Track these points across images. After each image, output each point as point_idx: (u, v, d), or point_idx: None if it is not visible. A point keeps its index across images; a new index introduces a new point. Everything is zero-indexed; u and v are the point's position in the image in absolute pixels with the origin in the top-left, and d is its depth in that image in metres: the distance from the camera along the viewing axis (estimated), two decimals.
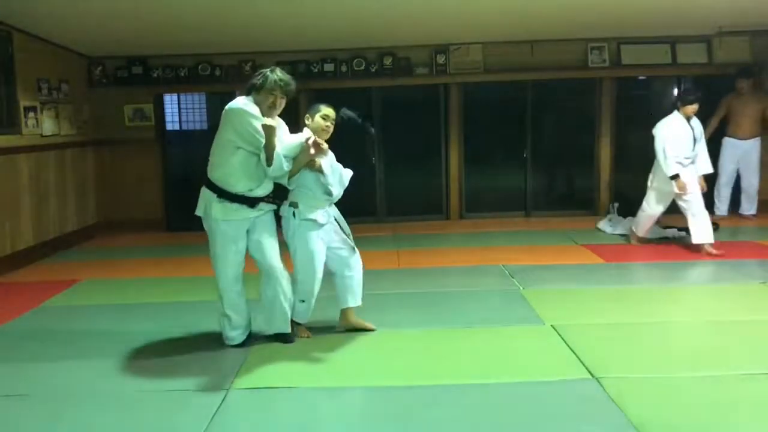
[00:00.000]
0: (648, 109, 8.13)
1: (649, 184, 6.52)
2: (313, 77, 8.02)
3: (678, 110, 6.25)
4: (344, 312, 4.19)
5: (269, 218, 3.96)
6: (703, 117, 7.23)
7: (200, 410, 3.18)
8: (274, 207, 3.96)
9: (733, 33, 7.88)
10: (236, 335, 4.04)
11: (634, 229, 6.75)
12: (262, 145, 3.70)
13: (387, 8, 6.52)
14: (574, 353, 3.76)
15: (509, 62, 8.17)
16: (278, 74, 3.77)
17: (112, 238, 7.93)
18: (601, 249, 6.53)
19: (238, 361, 3.80)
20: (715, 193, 7.91)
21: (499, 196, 8.76)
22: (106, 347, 4.12)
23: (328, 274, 4.15)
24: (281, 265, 3.93)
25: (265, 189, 3.86)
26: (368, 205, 8.39)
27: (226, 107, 3.79)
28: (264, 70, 3.82)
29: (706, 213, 6.21)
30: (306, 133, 3.92)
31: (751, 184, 7.94)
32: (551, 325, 4.26)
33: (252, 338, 4.10)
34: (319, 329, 4.22)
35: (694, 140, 6.24)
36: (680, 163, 6.16)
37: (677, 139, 6.15)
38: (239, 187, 3.77)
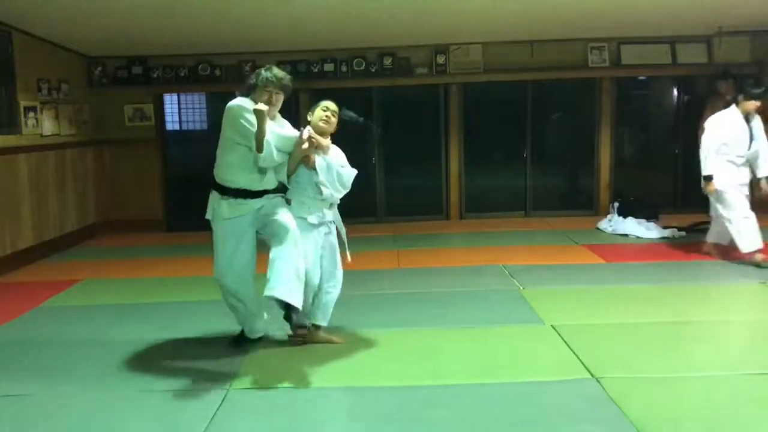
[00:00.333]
0: (648, 109, 8.13)
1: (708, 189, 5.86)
2: (313, 77, 8.03)
3: (737, 105, 5.83)
4: (314, 330, 4.01)
5: (278, 200, 3.89)
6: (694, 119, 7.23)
7: (200, 410, 3.18)
8: (282, 195, 3.92)
9: (733, 33, 7.88)
10: (258, 327, 4.02)
11: (743, 248, 5.71)
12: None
13: (387, 8, 6.52)
14: (574, 353, 3.76)
15: (509, 62, 8.18)
16: (272, 71, 3.77)
17: (112, 238, 7.93)
18: (601, 249, 6.53)
19: (238, 361, 3.80)
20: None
21: (499, 196, 8.77)
22: (106, 347, 4.12)
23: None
24: (296, 230, 3.72)
25: (267, 183, 3.84)
26: (368, 205, 8.39)
27: (226, 106, 3.80)
28: (259, 69, 3.83)
29: (749, 218, 5.71)
30: (306, 131, 3.86)
31: None
32: (551, 325, 4.26)
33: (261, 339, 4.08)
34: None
35: (751, 138, 5.74)
36: (732, 161, 5.75)
37: (731, 137, 5.70)
38: (240, 182, 3.78)
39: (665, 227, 7.19)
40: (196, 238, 7.75)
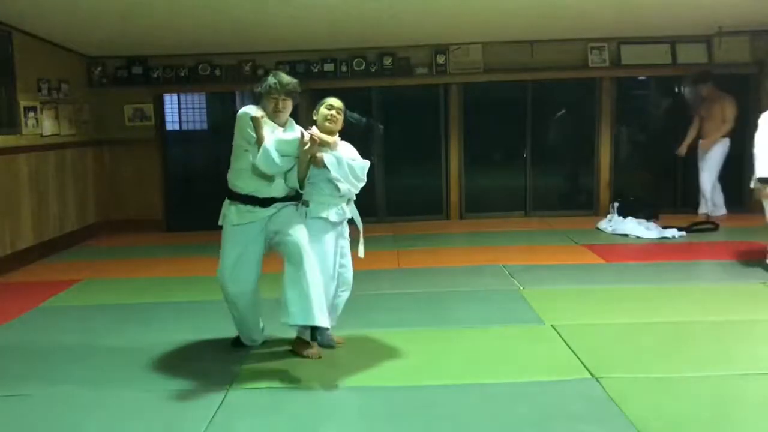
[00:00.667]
0: (648, 109, 8.12)
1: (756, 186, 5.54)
2: (313, 77, 8.02)
3: None
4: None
5: (291, 209, 3.83)
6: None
7: (200, 410, 3.18)
8: (294, 203, 3.86)
9: (733, 33, 7.88)
10: (254, 336, 4.01)
11: None
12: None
13: (387, 8, 6.52)
14: (574, 353, 3.76)
15: (509, 62, 8.17)
16: (277, 77, 3.74)
17: (112, 238, 7.93)
18: (601, 249, 6.53)
19: (238, 361, 3.80)
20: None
21: (499, 196, 8.77)
22: (106, 347, 4.12)
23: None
24: (310, 249, 3.65)
25: (275, 191, 3.77)
26: (368, 205, 8.38)
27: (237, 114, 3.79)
28: (266, 76, 3.79)
29: None
30: (309, 131, 3.78)
31: (701, 182, 7.87)
32: (551, 325, 4.26)
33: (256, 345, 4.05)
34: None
35: None
36: None
37: None
38: (249, 188, 3.75)
39: (665, 227, 7.20)
40: (196, 238, 7.76)
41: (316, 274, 3.61)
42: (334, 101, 3.87)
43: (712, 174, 7.75)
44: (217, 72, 8.17)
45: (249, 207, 3.76)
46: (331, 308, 3.87)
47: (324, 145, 3.70)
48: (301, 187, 3.78)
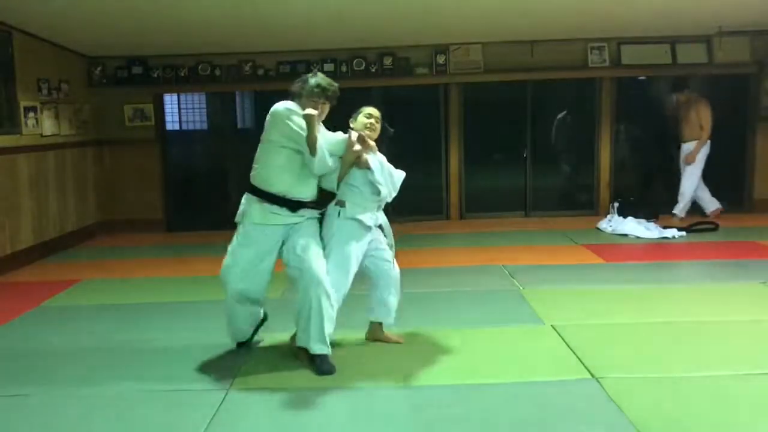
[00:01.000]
0: (648, 109, 8.13)
1: None
2: None
3: None
4: (374, 325, 4.04)
5: (313, 225, 3.75)
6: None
7: (200, 410, 3.18)
8: (318, 215, 3.79)
9: (733, 33, 7.88)
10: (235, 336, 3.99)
11: None
12: (304, 139, 3.58)
13: (387, 8, 6.52)
14: (574, 353, 3.76)
15: (509, 62, 8.17)
16: (318, 79, 3.68)
17: (112, 238, 7.94)
18: (601, 249, 6.53)
19: (238, 361, 3.80)
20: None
21: (499, 196, 8.77)
22: (106, 347, 4.13)
23: (359, 280, 3.96)
24: (326, 275, 3.59)
25: (308, 192, 3.71)
26: None
27: (271, 111, 3.69)
28: (305, 76, 3.76)
29: None
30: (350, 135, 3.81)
31: (682, 184, 7.92)
32: (551, 325, 4.26)
33: (252, 343, 4.05)
34: None
35: None
36: None
37: None
38: (279, 185, 3.63)
39: (665, 227, 7.20)
40: (196, 238, 7.77)
41: (325, 302, 3.57)
42: (373, 110, 3.89)
43: (694, 180, 7.80)
44: (217, 72, 8.17)
45: (276, 208, 3.65)
46: (379, 304, 3.96)
47: (369, 148, 3.76)
48: (337, 187, 3.78)
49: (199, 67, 8.16)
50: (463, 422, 3.01)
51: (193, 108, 8.68)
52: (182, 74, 8.15)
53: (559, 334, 4.08)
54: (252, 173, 3.76)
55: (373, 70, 8.16)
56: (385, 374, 3.57)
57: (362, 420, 3.12)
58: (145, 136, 8.25)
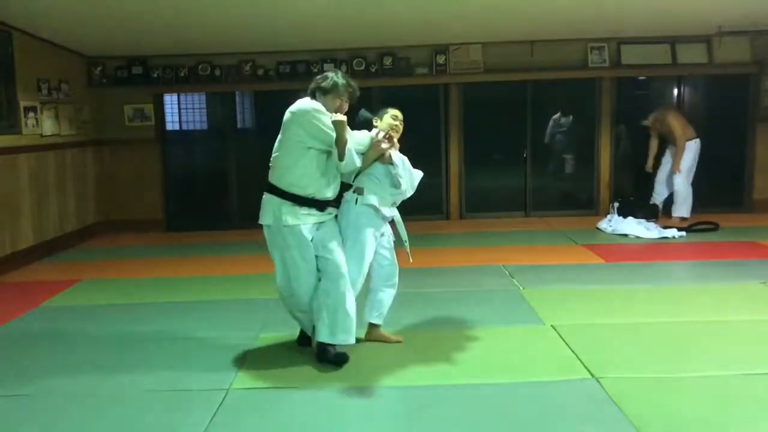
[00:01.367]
0: (648, 110, 8.12)
1: None
2: (313, 77, 7.97)
3: None
4: (370, 327, 4.05)
5: (333, 221, 3.85)
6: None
7: (200, 410, 3.18)
8: (336, 213, 3.88)
9: (733, 33, 7.88)
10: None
11: None
12: (333, 140, 3.63)
13: (387, 8, 6.52)
14: (574, 353, 3.76)
15: (509, 62, 8.17)
16: (343, 77, 3.77)
17: (112, 238, 7.94)
18: (601, 249, 6.53)
19: (238, 361, 3.80)
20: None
21: (499, 196, 8.77)
22: (106, 347, 4.13)
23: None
24: (347, 273, 3.71)
25: (334, 190, 3.80)
26: None
27: (292, 109, 3.69)
28: (329, 74, 3.79)
29: None
30: (374, 133, 3.92)
31: (674, 187, 7.95)
32: (551, 325, 4.26)
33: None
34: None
35: None
36: None
37: None
38: (311, 188, 3.66)
39: (665, 227, 7.20)
40: (196, 238, 7.77)
41: (348, 294, 3.69)
42: (399, 113, 4.03)
43: (684, 177, 7.81)
44: (217, 72, 8.17)
45: (305, 209, 3.68)
46: (375, 303, 3.99)
47: (393, 146, 3.89)
48: (354, 179, 3.89)
49: (199, 67, 8.16)
50: (463, 422, 3.01)
51: (193, 108, 8.67)
52: (182, 74, 8.15)
53: (559, 334, 4.08)
54: (273, 173, 3.74)
55: (373, 70, 8.16)
56: (385, 374, 3.57)
57: (362, 420, 3.12)
58: (145, 136, 8.25)
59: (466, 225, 8.25)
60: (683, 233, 7.07)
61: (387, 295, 4.05)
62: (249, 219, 8.35)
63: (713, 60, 8.12)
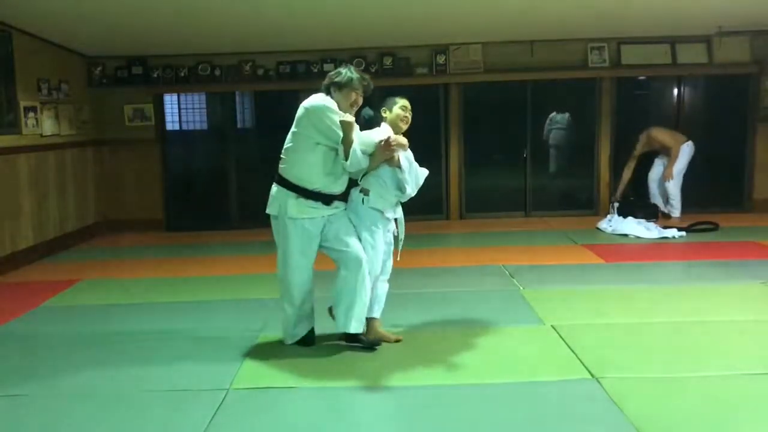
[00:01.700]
0: (648, 109, 8.14)
1: None
2: (313, 77, 8.00)
3: None
4: (371, 322, 4.00)
5: (344, 214, 3.89)
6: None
7: (200, 410, 3.18)
8: (345, 206, 3.92)
9: (733, 33, 7.88)
10: (299, 331, 3.96)
11: None
12: (340, 139, 3.67)
13: (387, 8, 6.52)
14: (574, 353, 3.76)
15: (509, 62, 8.18)
16: (355, 72, 3.79)
17: (112, 238, 7.94)
18: (601, 249, 6.53)
19: (238, 361, 3.79)
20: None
21: (499, 196, 8.77)
22: (106, 347, 4.12)
23: None
24: (366, 262, 3.78)
25: (342, 186, 3.84)
26: None
27: (305, 105, 3.73)
28: (343, 69, 3.81)
29: None
30: (384, 129, 3.87)
31: (670, 188, 8.04)
32: (551, 325, 4.26)
33: (314, 336, 4.03)
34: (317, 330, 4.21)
35: None
36: None
37: None
38: (318, 183, 3.73)
39: (665, 227, 7.20)
40: (196, 238, 7.77)
41: (367, 283, 3.78)
42: (407, 103, 3.96)
43: (677, 180, 7.87)
44: (217, 72, 8.17)
45: (311, 203, 3.74)
46: (374, 298, 3.96)
47: (401, 147, 3.82)
48: (360, 178, 3.87)
49: (199, 67, 8.16)
50: (463, 422, 3.01)
51: (193, 108, 8.67)
52: (182, 74, 8.15)
53: (559, 334, 4.08)
54: (282, 166, 3.81)
55: (373, 70, 8.15)
56: (384, 374, 3.57)
57: (362, 419, 3.12)
58: (145, 136, 8.25)
59: (466, 225, 8.25)
60: (683, 233, 7.06)
61: (384, 289, 4.06)
62: (249, 219, 8.44)
63: (713, 60, 8.12)
